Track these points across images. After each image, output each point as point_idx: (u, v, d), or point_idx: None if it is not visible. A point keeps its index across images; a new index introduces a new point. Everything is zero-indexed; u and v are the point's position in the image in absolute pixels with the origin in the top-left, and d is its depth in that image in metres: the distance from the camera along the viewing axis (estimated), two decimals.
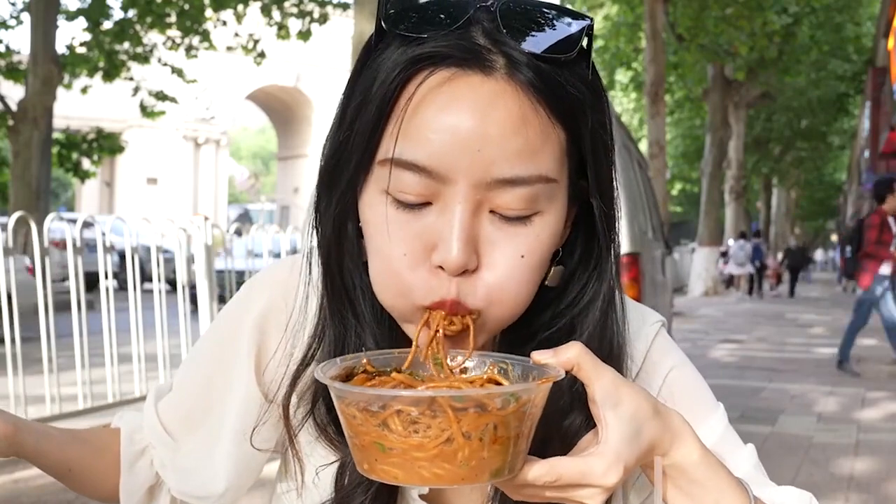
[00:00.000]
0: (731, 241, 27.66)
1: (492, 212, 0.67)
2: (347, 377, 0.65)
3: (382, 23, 0.68)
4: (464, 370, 0.68)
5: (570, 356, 0.62)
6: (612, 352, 0.76)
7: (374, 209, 0.69)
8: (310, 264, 0.80)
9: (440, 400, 0.56)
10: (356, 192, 0.72)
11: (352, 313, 0.77)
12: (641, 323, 0.85)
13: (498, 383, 0.64)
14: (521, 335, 0.76)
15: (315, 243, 0.78)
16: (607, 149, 0.72)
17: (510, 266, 0.67)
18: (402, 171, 0.66)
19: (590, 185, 0.72)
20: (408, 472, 0.58)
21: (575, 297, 0.76)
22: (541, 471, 0.61)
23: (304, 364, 0.80)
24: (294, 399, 0.81)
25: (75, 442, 0.89)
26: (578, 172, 0.72)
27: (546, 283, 0.74)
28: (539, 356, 0.63)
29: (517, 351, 0.70)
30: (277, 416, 0.83)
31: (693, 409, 0.79)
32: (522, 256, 0.68)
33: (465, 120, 0.64)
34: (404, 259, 0.67)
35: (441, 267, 0.66)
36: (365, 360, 0.67)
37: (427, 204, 0.67)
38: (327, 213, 0.75)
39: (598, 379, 0.62)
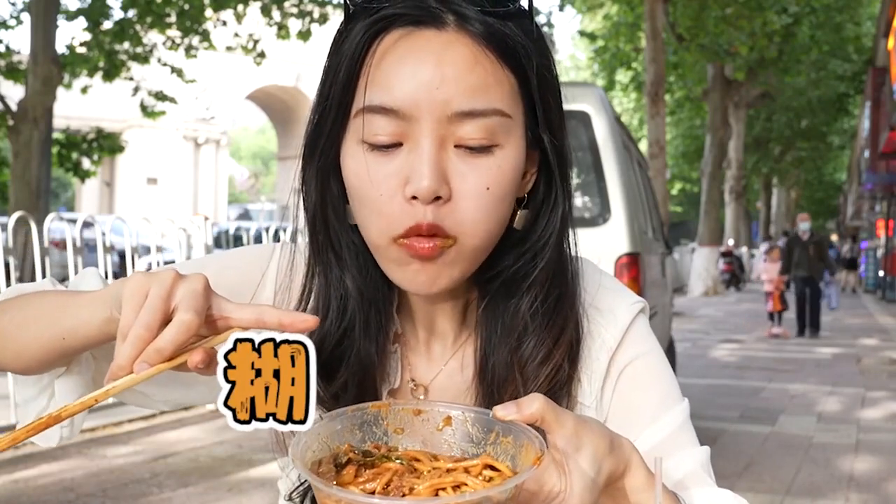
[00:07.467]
0: (730, 242, 27.71)
1: (456, 147, 0.75)
2: (334, 459, 0.64)
3: (349, 3, 0.78)
4: (448, 420, 0.70)
5: (534, 411, 0.64)
6: (567, 276, 0.85)
7: (354, 158, 0.78)
8: (295, 234, 0.88)
9: None
10: (337, 151, 0.80)
11: (335, 261, 0.84)
12: (623, 298, 0.89)
13: (493, 467, 0.64)
14: (488, 274, 0.83)
15: (302, 213, 0.85)
16: (554, 90, 0.81)
17: (478, 196, 0.76)
18: (374, 115, 0.75)
19: (539, 122, 0.80)
20: None
21: (538, 235, 0.84)
22: None
23: None
24: None
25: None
26: (533, 119, 0.80)
27: (514, 225, 0.82)
28: (503, 412, 0.64)
29: (483, 288, 0.83)
30: None
31: (654, 400, 0.85)
32: (488, 188, 0.76)
33: (424, 64, 0.74)
34: (381, 197, 0.76)
35: (415, 197, 0.74)
36: (346, 446, 0.66)
37: (398, 145, 0.76)
38: (312, 177, 0.83)
39: (560, 427, 0.65)
